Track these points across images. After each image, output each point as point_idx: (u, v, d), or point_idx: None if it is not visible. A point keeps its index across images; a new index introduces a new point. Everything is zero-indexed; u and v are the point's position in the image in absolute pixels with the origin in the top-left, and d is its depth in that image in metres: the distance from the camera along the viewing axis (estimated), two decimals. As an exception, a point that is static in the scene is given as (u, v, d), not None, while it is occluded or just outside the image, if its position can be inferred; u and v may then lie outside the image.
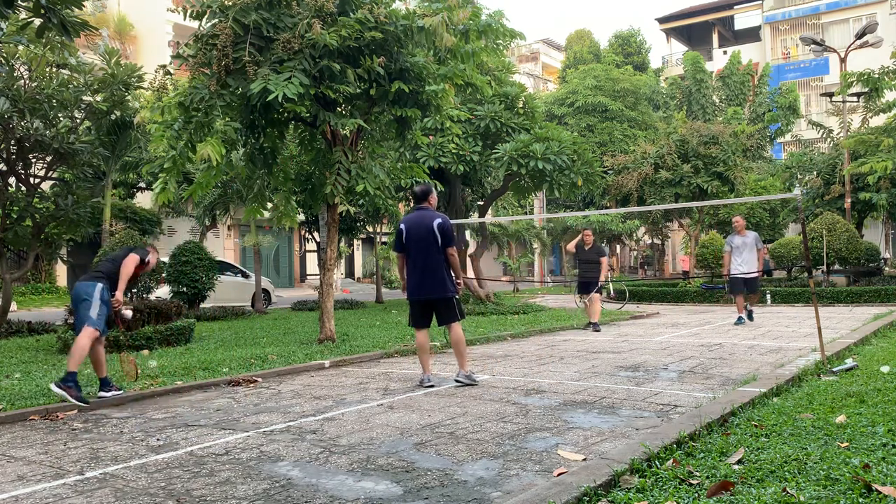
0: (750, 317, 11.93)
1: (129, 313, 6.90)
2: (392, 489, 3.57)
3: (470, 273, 18.39)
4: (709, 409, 4.71)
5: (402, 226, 6.61)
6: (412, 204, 7.13)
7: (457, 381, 6.57)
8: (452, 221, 15.61)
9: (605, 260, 12.09)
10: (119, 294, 6.24)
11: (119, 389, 6.27)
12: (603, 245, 14.56)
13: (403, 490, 3.55)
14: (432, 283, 6.43)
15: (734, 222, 11.88)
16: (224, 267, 18.36)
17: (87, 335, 5.89)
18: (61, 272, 25.73)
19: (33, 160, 11.48)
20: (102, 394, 6.16)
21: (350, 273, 38.48)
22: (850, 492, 3.00)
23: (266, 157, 9.96)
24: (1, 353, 9.22)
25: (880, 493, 2.95)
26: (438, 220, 6.42)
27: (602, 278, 12.11)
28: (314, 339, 10.00)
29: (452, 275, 6.51)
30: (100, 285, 6.10)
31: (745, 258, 11.53)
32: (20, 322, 12.30)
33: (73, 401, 5.74)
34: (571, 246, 12.46)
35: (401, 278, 6.81)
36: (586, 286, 12.11)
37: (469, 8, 10.04)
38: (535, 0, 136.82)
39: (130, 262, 6.19)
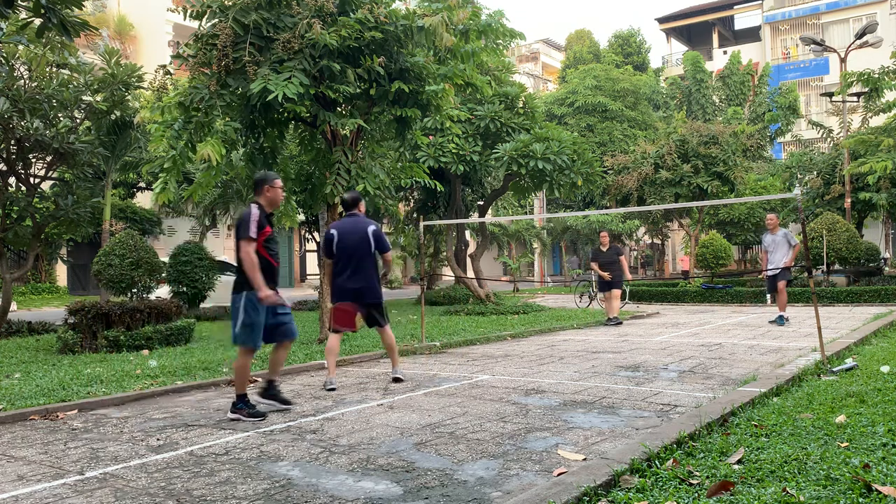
0: (780, 321, 11.31)
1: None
2: (392, 489, 3.57)
3: (470, 273, 18.39)
4: (709, 409, 4.71)
5: (332, 231, 6.60)
6: (343, 212, 6.94)
7: (395, 378, 6.81)
8: (452, 221, 15.68)
9: (623, 259, 12.70)
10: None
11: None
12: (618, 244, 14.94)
13: (403, 490, 3.55)
14: (366, 289, 6.53)
15: (767, 220, 11.70)
16: (224, 267, 18.34)
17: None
18: (61, 272, 25.72)
19: (33, 160, 11.49)
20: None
21: (350, 273, 38.38)
22: (850, 492, 3.00)
23: (266, 157, 9.96)
24: (1, 353, 9.22)
25: (880, 493, 2.95)
26: (373, 227, 6.59)
27: (628, 276, 12.84)
28: (314, 339, 10.00)
29: (380, 283, 6.69)
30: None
31: (775, 258, 11.34)
32: (20, 322, 12.30)
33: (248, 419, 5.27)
34: (595, 266, 12.95)
35: (327, 283, 6.82)
36: (608, 284, 12.64)
37: (469, 8, 10.05)
38: (535, 0, 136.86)
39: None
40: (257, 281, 5.16)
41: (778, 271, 11.30)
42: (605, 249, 12.87)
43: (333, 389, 6.42)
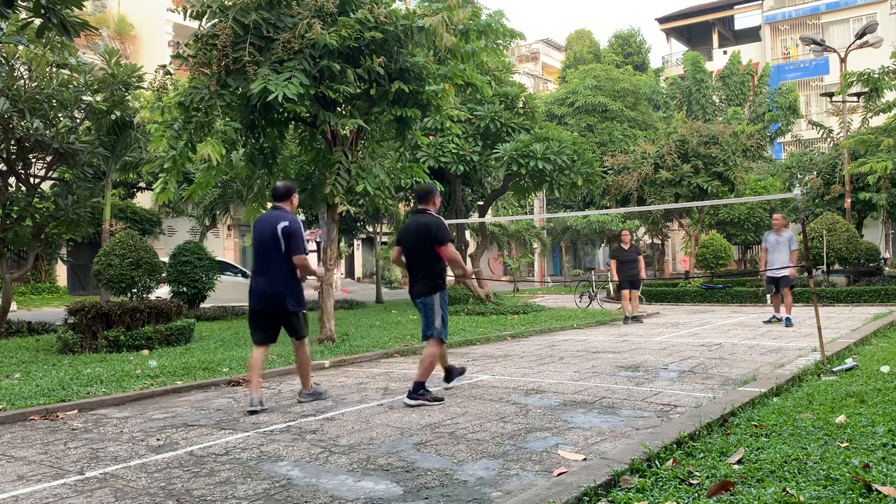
0: (787, 322, 11.22)
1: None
2: (392, 489, 3.57)
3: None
4: (709, 409, 4.71)
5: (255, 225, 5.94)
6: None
7: (300, 400, 5.96)
8: (452, 221, 15.73)
9: (641, 258, 13.06)
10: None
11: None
12: (639, 244, 15.26)
13: (403, 490, 3.55)
14: (274, 295, 5.68)
15: (774, 219, 11.70)
16: (224, 267, 18.36)
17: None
18: (61, 272, 25.73)
19: (33, 160, 11.48)
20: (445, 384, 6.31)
21: (350, 273, 38.50)
22: (850, 492, 2.99)
23: (266, 157, 9.96)
24: (1, 353, 9.22)
25: (880, 493, 2.95)
26: (284, 224, 5.65)
27: (643, 275, 13.15)
28: (314, 339, 10.00)
29: (298, 289, 5.78)
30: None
31: (774, 258, 11.35)
32: (20, 322, 12.30)
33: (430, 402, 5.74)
34: (613, 264, 13.28)
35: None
36: (630, 283, 12.98)
37: (469, 8, 10.05)
38: (535, 0, 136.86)
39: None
40: (467, 271, 6.40)
41: (780, 276, 11.33)
42: (626, 248, 13.08)
43: (255, 412, 5.47)
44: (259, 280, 5.75)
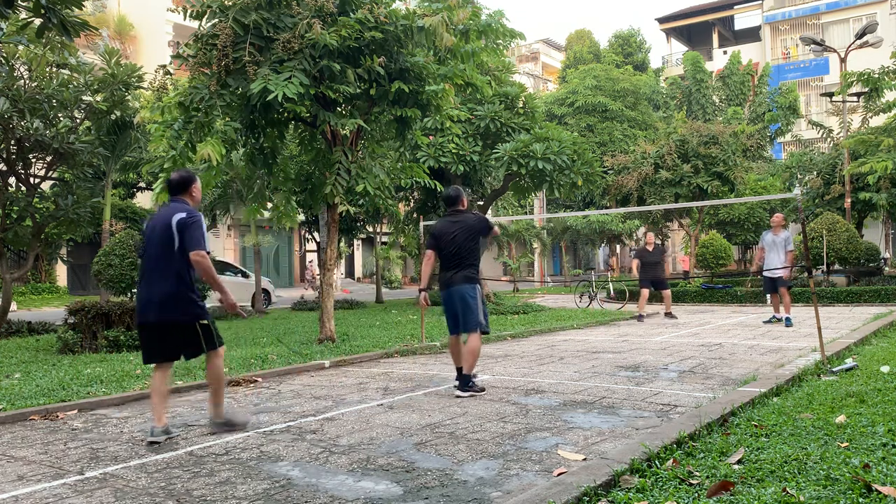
0: (787, 322, 11.22)
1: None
2: (392, 489, 3.57)
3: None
4: (709, 409, 4.71)
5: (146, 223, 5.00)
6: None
7: (211, 431, 4.91)
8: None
9: (665, 256, 13.11)
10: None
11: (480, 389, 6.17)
12: (663, 245, 15.65)
13: (403, 490, 3.55)
14: (156, 303, 4.66)
15: (773, 218, 11.73)
16: (224, 267, 18.39)
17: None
18: (61, 272, 25.74)
19: (33, 160, 11.49)
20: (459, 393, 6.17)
21: (350, 273, 38.51)
22: (850, 492, 2.99)
23: (266, 157, 9.96)
24: (1, 353, 9.22)
25: (880, 493, 2.94)
26: (181, 215, 4.66)
27: (687, 268, 13.80)
28: (314, 339, 10.00)
29: (193, 295, 4.73)
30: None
31: (771, 258, 11.42)
32: (20, 322, 12.30)
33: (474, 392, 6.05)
34: (636, 263, 13.75)
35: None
36: (655, 284, 13.47)
37: (469, 8, 10.05)
38: (535, 0, 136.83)
39: None
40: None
41: (777, 276, 11.35)
42: (650, 249, 13.45)
43: (156, 443, 4.61)
44: (144, 287, 4.73)
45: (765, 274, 11.60)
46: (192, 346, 4.84)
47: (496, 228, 6.48)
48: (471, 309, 6.08)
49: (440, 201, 18.45)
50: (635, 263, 13.76)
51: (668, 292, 13.86)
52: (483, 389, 6.10)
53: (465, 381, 6.04)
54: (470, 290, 6.11)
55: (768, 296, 12.82)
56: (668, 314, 13.66)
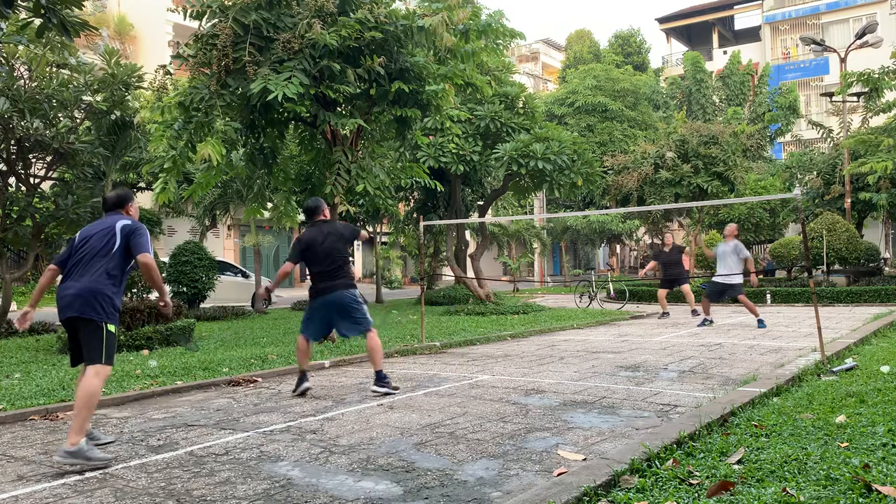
0: (760, 324, 11.29)
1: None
2: (392, 489, 3.57)
3: (470, 273, 18.38)
4: (709, 409, 4.71)
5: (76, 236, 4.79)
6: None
7: (65, 459, 4.10)
8: (452, 221, 15.69)
9: (684, 255, 13.59)
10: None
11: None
12: (681, 247, 15.47)
13: (403, 490, 3.55)
14: (77, 295, 4.40)
15: (727, 228, 12.02)
16: (224, 267, 18.36)
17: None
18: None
19: (33, 160, 11.49)
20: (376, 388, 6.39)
21: (350, 273, 38.42)
22: (850, 492, 3.00)
23: (266, 157, 9.97)
24: (1, 353, 9.22)
25: (880, 493, 2.95)
26: (126, 222, 4.68)
27: (687, 268, 13.68)
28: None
29: (113, 298, 4.51)
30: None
31: (720, 267, 11.60)
32: (20, 322, 12.28)
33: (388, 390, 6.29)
34: (652, 265, 14.00)
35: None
36: (670, 283, 13.66)
37: (469, 8, 10.05)
38: (535, 0, 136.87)
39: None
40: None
41: (728, 284, 11.45)
42: (667, 250, 13.59)
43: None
44: (65, 284, 4.52)
45: (716, 279, 11.68)
46: (86, 346, 4.43)
47: (363, 233, 6.98)
48: (360, 311, 6.44)
49: (440, 201, 18.47)
50: (652, 265, 13.99)
51: (687, 287, 13.61)
52: (397, 388, 6.38)
53: (381, 377, 6.31)
54: (354, 293, 6.46)
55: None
56: (695, 312, 13.24)
